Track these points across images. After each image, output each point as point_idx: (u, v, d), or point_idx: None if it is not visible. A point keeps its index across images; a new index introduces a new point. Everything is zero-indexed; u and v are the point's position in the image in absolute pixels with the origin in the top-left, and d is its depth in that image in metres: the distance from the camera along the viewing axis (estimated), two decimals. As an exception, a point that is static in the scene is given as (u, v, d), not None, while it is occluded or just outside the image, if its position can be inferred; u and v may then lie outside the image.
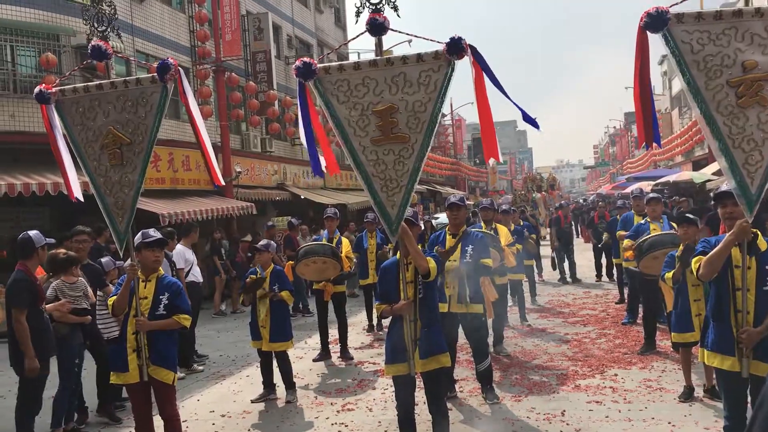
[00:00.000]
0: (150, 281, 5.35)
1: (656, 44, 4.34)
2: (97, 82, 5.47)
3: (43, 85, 5.57)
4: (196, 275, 10.25)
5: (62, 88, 5.56)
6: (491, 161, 5.11)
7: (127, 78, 5.45)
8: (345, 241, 9.77)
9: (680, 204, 17.17)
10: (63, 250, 7.07)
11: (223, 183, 5.63)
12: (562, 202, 25.14)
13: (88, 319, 6.77)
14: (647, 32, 4.27)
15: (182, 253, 9.90)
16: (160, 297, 5.28)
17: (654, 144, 4.67)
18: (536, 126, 4.94)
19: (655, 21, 4.20)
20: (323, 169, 5.26)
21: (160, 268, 5.50)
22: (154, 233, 5.37)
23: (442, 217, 17.40)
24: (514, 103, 4.87)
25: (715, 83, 4.20)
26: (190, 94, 5.29)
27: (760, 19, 4.14)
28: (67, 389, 6.61)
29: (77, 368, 6.75)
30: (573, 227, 18.12)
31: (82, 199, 5.86)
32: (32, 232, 6.31)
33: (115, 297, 5.29)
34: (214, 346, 10.92)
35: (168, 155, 16.13)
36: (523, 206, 19.96)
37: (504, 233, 9.09)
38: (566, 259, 16.26)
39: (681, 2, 4.31)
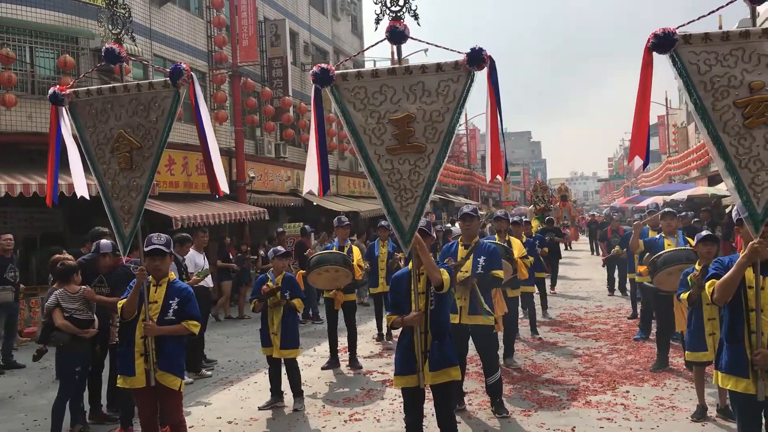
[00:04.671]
0: (161, 285, 5.32)
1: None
2: (111, 85, 5.48)
3: (58, 86, 5.59)
4: (207, 281, 10.23)
5: (76, 90, 5.57)
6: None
7: (140, 82, 5.45)
8: (356, 249, 9.73)
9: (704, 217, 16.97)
10: (62, 258, 7.03)
11: (225, 192, 5.52)
12: (565, 222, 25.02)
13: (92, 332, 6.71)
14: (654, 53, 4.25)
15: (193, 257, 9.89)
16: (170, 302, 5.25)
17: (638, 162, 4.62)
18: (506, 172, 4.98)
19: (663, 42, 4.19)
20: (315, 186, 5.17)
21: (171, 272, 5.48)
22: (157, 240, 5.30)
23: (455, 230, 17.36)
24: (502, 142, 4.86)
25: (722, 104, 4.18)
26: (201, 100, 5.27)
27: (767, 40, 4.10)
28: (66, 397, 6.58)
29: (78, 376, 6.69)
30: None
31: (87, 197, 5.89)
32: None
33: (124, 300, 5.27)
34: (223, 352, 10.89)
35: (182, 159, 16.19)
36: (551, 217, 19.79)
37: (517, 245, 9.03)
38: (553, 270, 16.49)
39: (691, 22, 4.29)
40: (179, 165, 16.18)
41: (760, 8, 4.41)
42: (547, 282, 16.20)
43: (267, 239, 17.36)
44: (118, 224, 5.43)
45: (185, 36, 18.00)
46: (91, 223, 7.99)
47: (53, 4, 14.25)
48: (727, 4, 4.34)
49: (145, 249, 5.28)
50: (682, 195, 24.69)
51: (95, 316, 6.73)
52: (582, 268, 23.03)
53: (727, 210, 19.99)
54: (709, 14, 4.40)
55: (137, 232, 5.48)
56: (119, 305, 5.31)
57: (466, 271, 6.78)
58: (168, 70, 5.19)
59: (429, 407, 5.38)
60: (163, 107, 5.23)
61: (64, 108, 5.54)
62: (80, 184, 5.85)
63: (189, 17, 18.37)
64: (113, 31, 5.56)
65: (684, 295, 6.14)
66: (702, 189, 25.37)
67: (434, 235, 5.71)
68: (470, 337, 6.96)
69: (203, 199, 16.76)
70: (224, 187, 5.45)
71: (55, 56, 14.41)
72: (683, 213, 15.00)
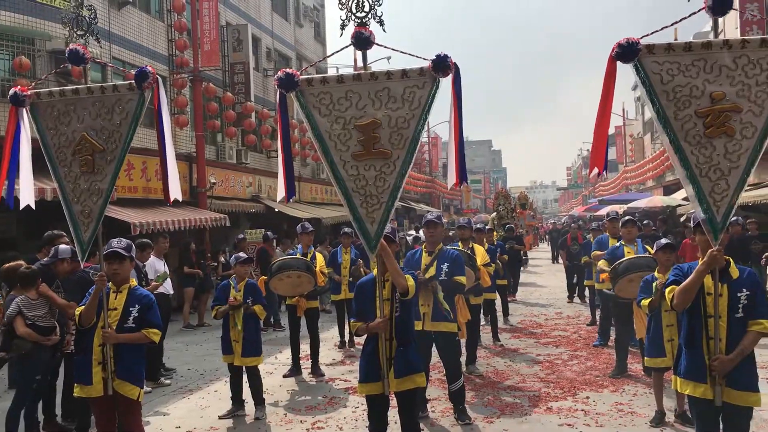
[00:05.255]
0: (121, 292, 5.20)
1: (630, 71, 4.37)
2: (74, 87, 5.35)
3: (19, 87, 5.44)
4: (167, 287, 10.07)
5: (38, 91, 5.43)
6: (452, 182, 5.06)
7: (104, 84, 5.34)
8: (319, 255, 9.68)
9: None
10: (23, 263, 6.84)
11: (177, 199, 5.37)
12: (521, 231, 25.21)
13: (54, 339, 6.55)
14: (618, 62, 4.31)
15: (153, 264, 9.73)
16: (131, 309, 5.13)
17: (599, 172, 4.72)
18: (464, 180, 4.97)
19: (627, 52, 4.25)
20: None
21: (132, 279, 5.36)
22: (117, 244, 5.20)
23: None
24: (461, 152, 4.87)
25: (684, 113, 4.25)
26: (164, 105, 5.19)
27: (728, 51, 4.20)
28: (21, 406, 6.40)
29: (37, 384, 6.52)
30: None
31: (33, 207, 5.59)
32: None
33: (83, 307, 5.13)
34: (182, 360, 10.72)
35: (141, 164, 15.92)
36: (510, 225, 19.84)
37: (480, 252, 9.08)
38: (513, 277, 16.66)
39: (653, 33, 4.37)
40: (138, 170, 15.90)
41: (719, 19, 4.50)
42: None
43: (232, 245, 17.18)
44: (78, 229, 5.29)
45: (145, 39, 17.73)
46: (47, 229, 7.76)
47: (9, 4, 13.89)
48: (690, 15, 4.43)
49: (103, 252, 5.17)
50: (639, 204, 25.17)
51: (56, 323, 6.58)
52: (542, 276, 23.30)
53: (682, 220, 20.48)
54: (671, 25, 4.50)
55: (97, 238, 5.36)
56: (77, 312, 5.17)
57: (430, 278, 6.79)
58: (131, 72, 5.09)
59: (392, 414, 5.36)
60: (127, 110, 5.13)
61: (24, 109, 5.39)
62: (26, 193, 5.60)
63: (149, 20, 18.11)
64: (77, 33, 5.44)
65: (645, 302, 6.23)
66: (658, 198, 25.90)
67: (398, 241, 5.71)
68: (433, 344, 6.97)
69: (162, 204, 16.48)
70: (176, 194, 5.33)
71: (10, 57, 14.05)
72: (645, 222, 15.28)
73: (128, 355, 5.15)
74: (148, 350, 5.87)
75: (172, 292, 10.52)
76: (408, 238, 20.51)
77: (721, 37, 4.39)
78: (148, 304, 5.20)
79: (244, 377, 7.50)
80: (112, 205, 13.78)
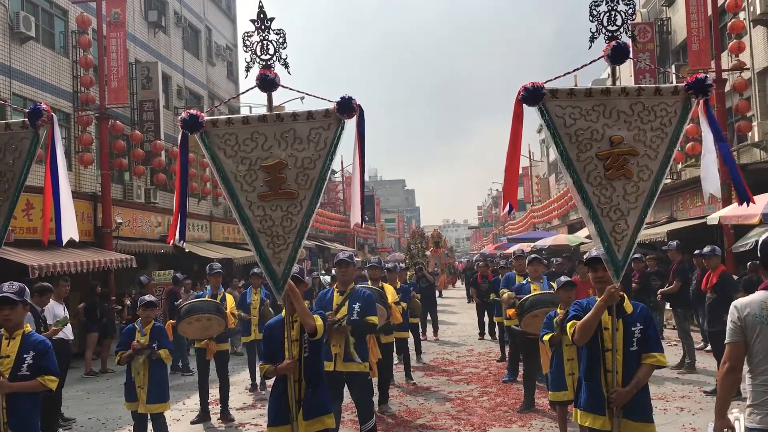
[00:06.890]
0: (14, 338, 4.94)
1: (535, 114, 4.57)
2: None
3: None
4: (66, 332, 9.63)
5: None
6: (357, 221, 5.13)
7: (-4, 123, 5.14)
8: (229, 297, 9.51)
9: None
10: None
11: (71, 239, 5.14)
12: (436, 269, 25.52)
13: None
14: (524, 105, 4.50)
15: (52, 308, 9.31)
16: (24, 356, 4.87)
17: (509, 208, 4.92)
18: (364, 220, 5.10)
19: (532, 95, 4.43)
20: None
21: (27, 324, 5.11)
22: (8, 288, 4.93)
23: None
24: (362, 192, 4.98)
25: (586, 155, 4.45)
26: (59, 143, 5.03)
27: (625, 97, 4.46)
28: None
29: None
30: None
31: None
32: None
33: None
34: (82, 409, 10.21)
35: (42, 204, 15.26)
36: (420, 263, 19.95)
37: (390, 291, 9.16)
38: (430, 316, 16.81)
39: (556, 79, 4.60)
40: (38, 210, 15.23)
41: (609, 69, 4.80)
42: (429, 328, 16.56)
43: (138, 287, 16.61)
44: None
45: (48, 75, 17.19)
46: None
47: None
48: (590, 63, 4.69)
49: None
50: (545, 242, 26.04)
51: None
52: (455, 315, 23.60)
53: (585, 257, 21.25)
54: (574, 71, 4.75)
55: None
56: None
57: (342, 318, 6.77)
58: (27, 110, 4.93)
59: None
60: (20, 149, 4.94)
61: None
62: None
63: (53, 56, 17.58)
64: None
65: (546, 337, 6.43)
66: (563, 237, 26.90)
67: (308, 281, 5.69)
68: (345, 385, 6.92)
69: (65, 245, 15.81)
70: (73, 234, 5.12)
71: None
72: (558, 259, 15.69)
73: (22, 405, 4.88)
74: (45, 399, 5.58)
75: (72, 337, 10.07)
76: (323, 278, 20.46)
77: (616, 84, 4.65)
78: (43, 350, 4.96)
79: (150, 425, 7.21)
80: (8, 246, 13.13)
